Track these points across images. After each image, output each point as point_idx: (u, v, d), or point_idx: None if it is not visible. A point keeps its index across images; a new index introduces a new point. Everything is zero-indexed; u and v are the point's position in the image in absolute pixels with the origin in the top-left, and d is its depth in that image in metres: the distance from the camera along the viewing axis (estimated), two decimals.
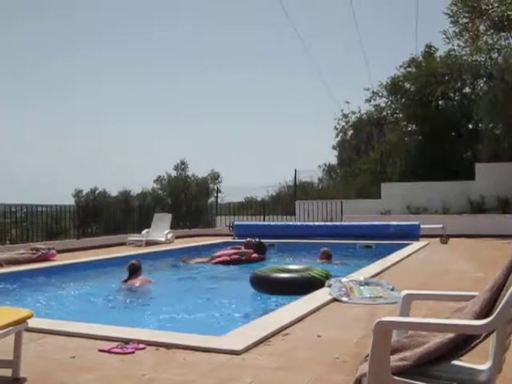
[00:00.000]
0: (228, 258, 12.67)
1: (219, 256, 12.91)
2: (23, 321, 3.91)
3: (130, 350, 4.46)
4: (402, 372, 2.20)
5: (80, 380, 3.82)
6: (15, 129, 48.00)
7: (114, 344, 4.60)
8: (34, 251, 12.27)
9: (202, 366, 4.04)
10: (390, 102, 29.80)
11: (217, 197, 27.22)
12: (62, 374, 3.95)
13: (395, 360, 2.23)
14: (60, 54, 46.01)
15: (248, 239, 13.91)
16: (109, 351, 4.45)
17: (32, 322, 4.09)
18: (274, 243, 16.45)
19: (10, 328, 3.73)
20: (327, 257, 12.19)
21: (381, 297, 6.70)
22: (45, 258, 12.22)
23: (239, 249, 13.28)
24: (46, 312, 6.54)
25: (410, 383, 2.17)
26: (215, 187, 33.39)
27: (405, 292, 2.94)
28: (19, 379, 3.82)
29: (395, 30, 40.63)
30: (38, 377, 3.91)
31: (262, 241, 13.69)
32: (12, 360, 3.86)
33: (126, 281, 9.42)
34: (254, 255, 12.98)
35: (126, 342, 4.64)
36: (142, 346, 4.57)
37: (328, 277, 8.01)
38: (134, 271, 9.48)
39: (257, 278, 8.47)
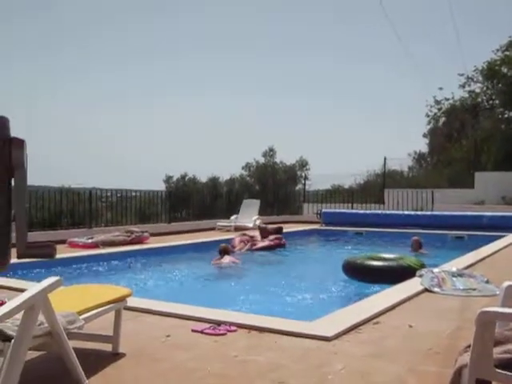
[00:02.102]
0: (270, 244, 12.66)
1: (255, 243, 12.79)
2: (123, 299, 4.09)
3: (222, 332, 4.56)
4: (505, 365, 2.13)
5: (176, 358, 3.95)
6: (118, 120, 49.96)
7: (207, 325, 4.72)
8: (129, 234, 12.75)
9: (293, 351, 4.08)
10: (485, 88, 28.70)
11: (304, 184, 27.22)
12: (159, 352, 4.10)
13: (498, 352, 2.16)
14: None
15: (262, 225, 14.05)
16: (202, 332, 4.57)
17: (128, 301, 4.26)
18: (362, 231, 16.30)
19: (111, 305, 3.91)
20: (418, 246, 11.92)
21: (475, 289, 6.48)
22: (138, 240, 12.67)
23: (247, 236, 13.18)
24: (141, 292, 6.77)
25: None
26: (303, 174, 33.42)
27: (507, 283, 2.83)
28: (118, 354, 4.00)
29: (492, 11, 38.84)
30: (135, 353, 4.07)
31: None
32: (112, 336, 4.04)
33: (216, 261, 10.44)
34: (284, 240, 13.06)
35: (218, 323, 4.75)
36: (233, 328, 4.66)
37: (422, 266, 7.88)
38: (224, 252, 10.59)
39: (351, 265, 8.45)
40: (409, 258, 8.54)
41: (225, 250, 10.71)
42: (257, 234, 13.49)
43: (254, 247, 12.36)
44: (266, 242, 12.68)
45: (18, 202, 1.51)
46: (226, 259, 10.46)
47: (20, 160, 1.50)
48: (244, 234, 13.39)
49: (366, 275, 8.13)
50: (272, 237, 12.94)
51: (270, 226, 14.15)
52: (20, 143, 1.51)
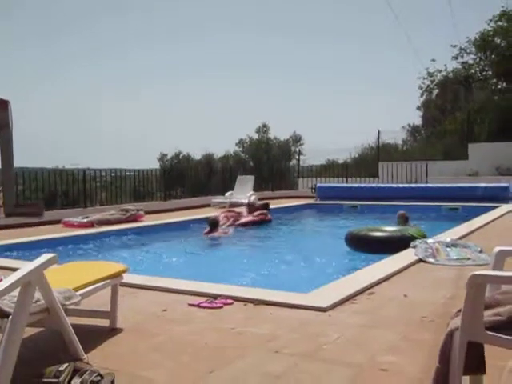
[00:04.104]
0: (254, 219, 12.63)
1: (239, 218, 12.70)
2: (119, 275, 4.12)
3: (218, 305, 4.60)
4: (495, 327, 2.16)
5: (172, 332, 3.99)
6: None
7: (203, 299, 4.76)
8: (124, 212, 12.75)
9: (289, 322, 4.12)
10: (478, 59, 28.60)
11: (298, 159, 27.25)
12: (155, 326, 4.14)
13: (488, 315, 2.19)
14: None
15: (250, 201, 14.05)
16: (198, 305, 4.61)
17: (124, 277, 4.29)
18: (356, 205, 16.35)
19: (107, 281, 3.94)
20: (405, 220, 11.93)
21: (469, 258, 6.54)
22: (134, 218, 12.68)
23: (233, 212, 13.18)
24: (137, 268, 6.80)
25: (503, 338, 2.13)
26: (297, 150, 33.38)
27: (498, 248, 2.87)
28: (116, 329, 4.03)
29: None
30: (132, 328, 4.11)
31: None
32: (109, 311, 4.08)
33: (206, 233, 10.82)
34: (270, 216, 13.12)
35: (215, 297, 4.79)
36: (230, 301, 4.70)
37: (424, 236, 7.96)
38: (214, 225, 10.97)
39: (354, 236, 8.55)
40: (411, 228, 8.62)
41: (213, 222, 11.06)
42: (243, 210, 13.51)
43: (237, 223, 12.30)
44: (249, 218, 12.65)
45: (4, 161, 1.52)
46: (216, 233, 10.80)
47: (5, 120, 1.51)
48: (230, 211, 13.39)
49: (369, 246, 8.23)
50: (256, 213, 12.93)
51: (258, 203, 14.18)
52: (4, 104, 1.52)
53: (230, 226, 11.86)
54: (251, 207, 13.47)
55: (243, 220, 12.50)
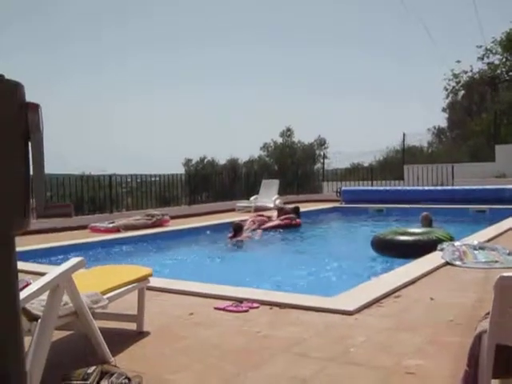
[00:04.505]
0: (280, 223, 12.56)
1: (266, 222, 12.67)
2: (145, 278, 4.15)
3: (244, 309, 4.61)
4: None
5: (199, 335, 4.01)
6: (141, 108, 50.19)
7: (229, 302, 4.77)
8: (150, 217, 12.85)
9: (315, 325, 4.11)
10: (504, 59, 28.21)
11: (323, 163, 27.10)
12: (182, 329, 4.16)
13: None
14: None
15: (280, 205, 13.95)
16: (224, 309, 4.63)
17: (151, 281, 4.32)
18: (382, 208, 16.24)
19: (134, 284, 3.97)
20: (428, 222, 11.78)
21: (497, 261, 6.45)
22: (159, 223, 12.77)
23: (262, 216, 13.13)
24: (163, 272, 6.85)
25: None
26: (321, 153, 33.27)
27: None
28: (143, 332, 4.07)
29: None
30: (160, 331, 4.14)
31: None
32: (136, 315, 4.11)
33: (231, 237, 10.89)
34: (298, 220, 12.99)
35: (241, 301, 4.80)
36: (256, 304, 4.71)
37: (451, 239, 7.86)
38: (238, 229, 11.05)
39: (380, 241, 8.48)
40: (437, 230, 8.52)
41: (237, 226, 11.15)
42: (274, 214, 13.50)
43: (262, 227, 12.29)
44: (274, 222, 12.65)
45: (36, 164, 1.56)
46: (241, 237, 10.88)
47: (36, 124, 1.54)
48: (260, 215, 13.40)
49: (396, 250, 8.12)
50: (283, 217, 12.92)
51: (288, 206, 14.12)
52: (35, 107, 1.55)
53: (254, 230, 11.87)
54: (281, 211, 13.44)
55: (268, 224, 12.49)
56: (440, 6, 39.08)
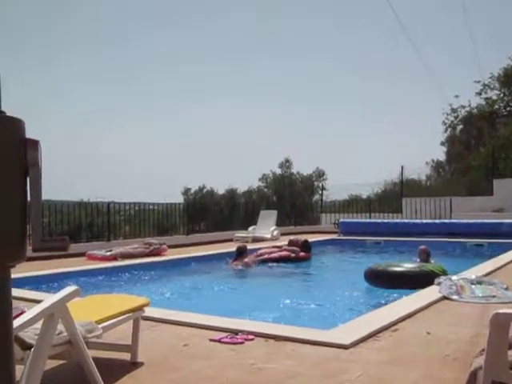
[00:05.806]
0: (278, 256, 12.46)
1: (267, 253, 12.57)
2: (140, 308, 4.13)
3: (239, 341, 4.57)
4: None
5: (193, 367, 3.97)
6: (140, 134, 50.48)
7: (224, 334, 4.74)
8: (147, 246, 12.82)
9: (310, 359, 4.08)
10: (502, 95, 28.52)
11: (322, 194, 27.18)
12: (177, 360, 4.13)
13: None
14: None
15: (292, 238, 13.90)
16: (219, 341, 4.59)
17: (146, 311, 4.30)
18: (380, 241, 16.22)
19: (129, 314, 3.95)
20: (426, 256, 11.72)
21: (494, 296, 6.43)
22: (157, 252, 12.74)
23: (280, 248, 13.08)
24: (159, 302, 6.80)
25: None
26: (320, 185, 33.37)
27: None
28: (137, 363, 4.03)
29: (507, 17, 38.60)
30: (154, 362, 4.10)
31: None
32: (130, 345, 4.08)
33: (233, 261, 11.35)
34: (302, 254, 12.88)
35: (236, 332, 4.77)
36: (251, 336, 4.67)
37: (444, 272, 7.85)
38: (241, 253, 11.48)
39: (373, 272, 8.45)
40: (430, 263, 8.54)
41: (241, 250, 11.51)
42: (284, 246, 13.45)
43: (259, 258, 12.20)
44: (276, 254, 12.59)
45: (33, 198, 1.58)
46: (241, 262, 11.21)
47: (35, 160, 1.57)
48: (274, 246, 13.41)
49: (388, 281, 8.12)
50: (278, 249, 12.87)
51: (301, 239, 13.89)
52: (35, 144, 1.58)
53: (254, 260, 11.83)
54: (290, 243, 13.37)
55: (271, 255, 12.42)
56: (439, 41, 39.56)
